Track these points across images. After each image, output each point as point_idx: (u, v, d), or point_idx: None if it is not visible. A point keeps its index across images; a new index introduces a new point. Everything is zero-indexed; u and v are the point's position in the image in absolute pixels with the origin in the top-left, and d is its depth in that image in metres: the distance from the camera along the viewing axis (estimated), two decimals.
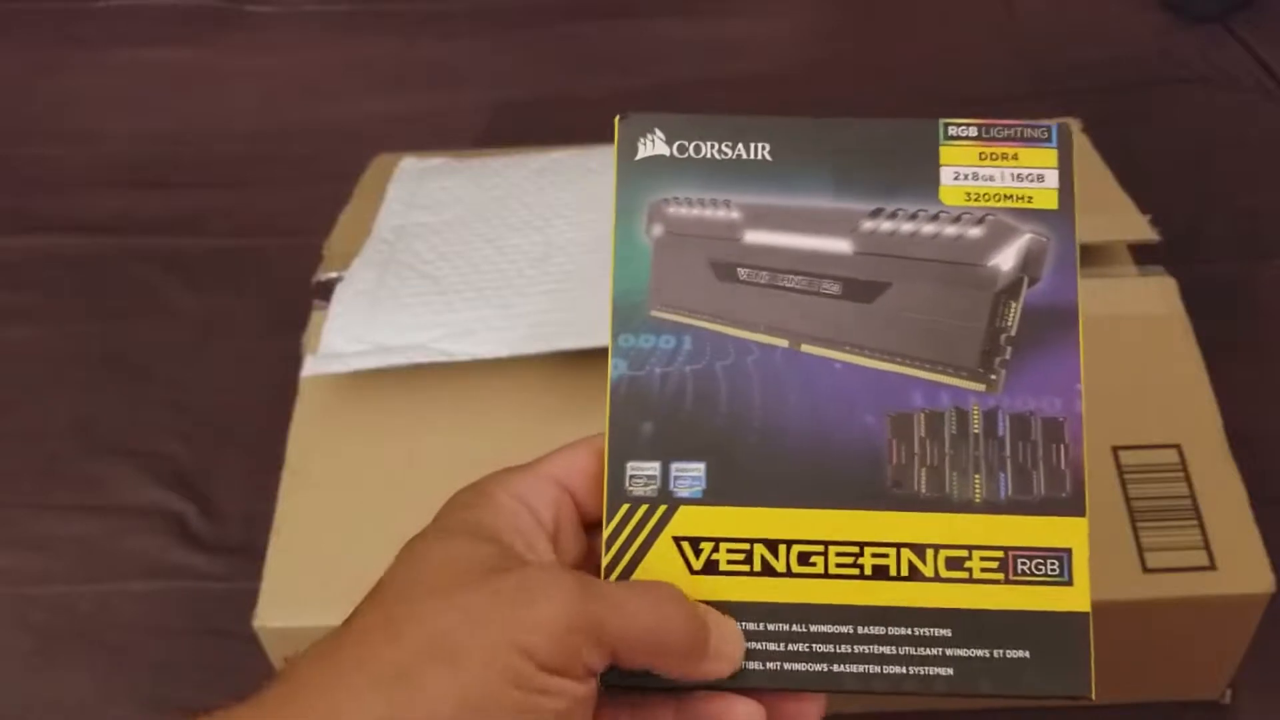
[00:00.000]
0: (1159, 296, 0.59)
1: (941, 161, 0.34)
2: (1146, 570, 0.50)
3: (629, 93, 0.97)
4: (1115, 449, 0.54)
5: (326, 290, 0.62)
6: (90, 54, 1.05)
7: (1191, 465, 0.53)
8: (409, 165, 0.72)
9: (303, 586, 0.52)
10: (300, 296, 0.63)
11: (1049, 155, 0.35)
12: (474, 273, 0.61)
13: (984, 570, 0.32)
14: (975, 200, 0.34)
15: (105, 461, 0.71)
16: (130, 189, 0.90)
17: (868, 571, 0.32)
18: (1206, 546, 0.51)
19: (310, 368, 0.57)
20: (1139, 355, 0.57)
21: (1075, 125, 0.71)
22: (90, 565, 0.66)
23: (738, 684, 0.32)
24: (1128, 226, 0.62)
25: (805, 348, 0.34)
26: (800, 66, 0.99)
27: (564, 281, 0.59)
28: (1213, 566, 0.50)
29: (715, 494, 0.33)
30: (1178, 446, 0.54)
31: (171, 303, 0.81)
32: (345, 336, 0.58)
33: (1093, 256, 0.61)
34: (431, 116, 0.96)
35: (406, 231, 0.65)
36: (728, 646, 0.32)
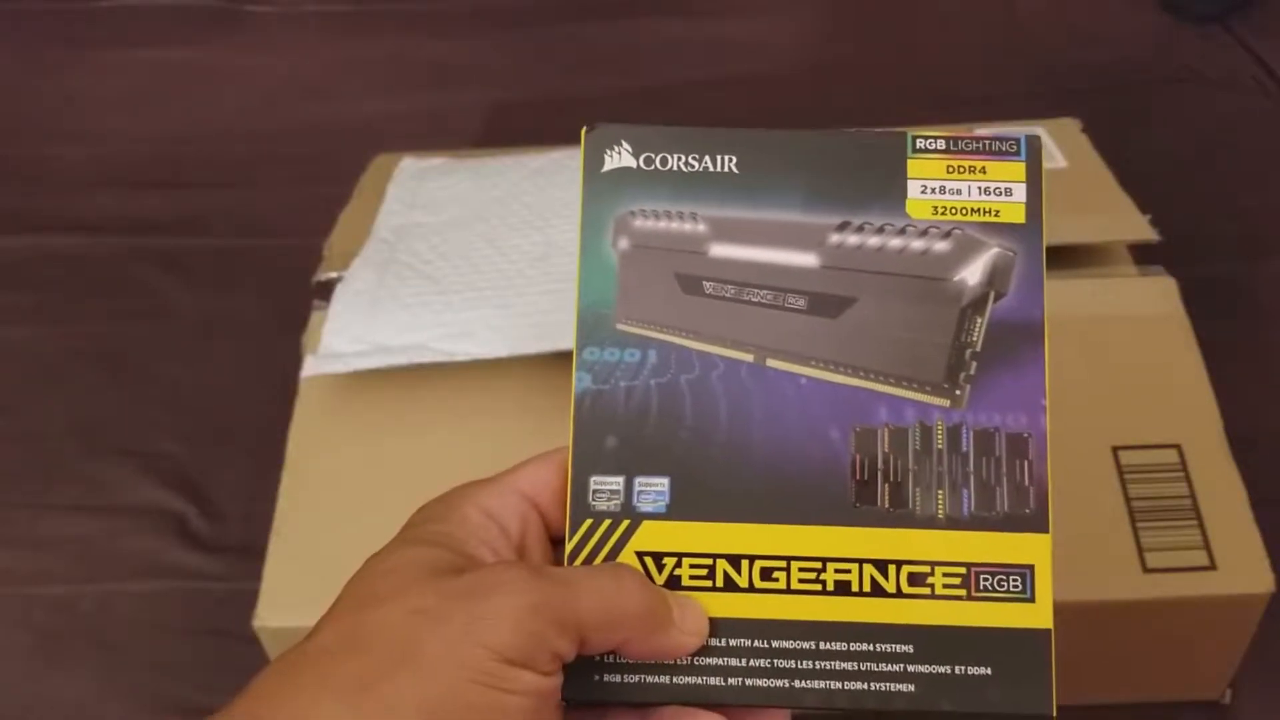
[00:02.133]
0: (1159, 296, 0.59)
1: (909, 175, 0.34)
2: (1146, 570, 0.50)
3: (629, 93, 0.97)
4: (1115, 449, 0.54)
5: (326, 290, 0.62)
6: (90, 54, 1.05)
7: (1191, 465, 0.53)
8: (409, 165, 0.72)
9: (303, 586, 0.52)
10: (300, 296, 0.63)
11: (1017, 169, 0.34)
12: (474, 273, 0.61)
13: (946, 586, 0.32)
14: (943, 214, 0.34)
15: (105, 461, 0.71)
16: (130, 189, 0.90)
17: (830, 587, 0.32)
18: (1206, 546, 0.51)
19: (310, 368, 0.57)
20: (1139, 355, 0.57)
21: (1075, 125, 0.71)
22: (90, 565, 0.66)
23: (699, 698, 0.32)
24: (1128, 226, 0.62)
25: (770, 362, 0.34)
26: (800, 67, 0.99)
27: (564, 281, 0.59)
28: (1213, 566, 0.50)
29: (679, 509, 0.33)
30: (1178, 446, 0.54)
31: (171, 303, 0.81)
32: (345, 336, 0.58)
33: (1093, 256, 0.61)
34: (431, 116, 0.96)
35: (406, 231, 0.65)
36: (691, 618, 0.32)
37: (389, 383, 0.58)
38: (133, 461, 0.71)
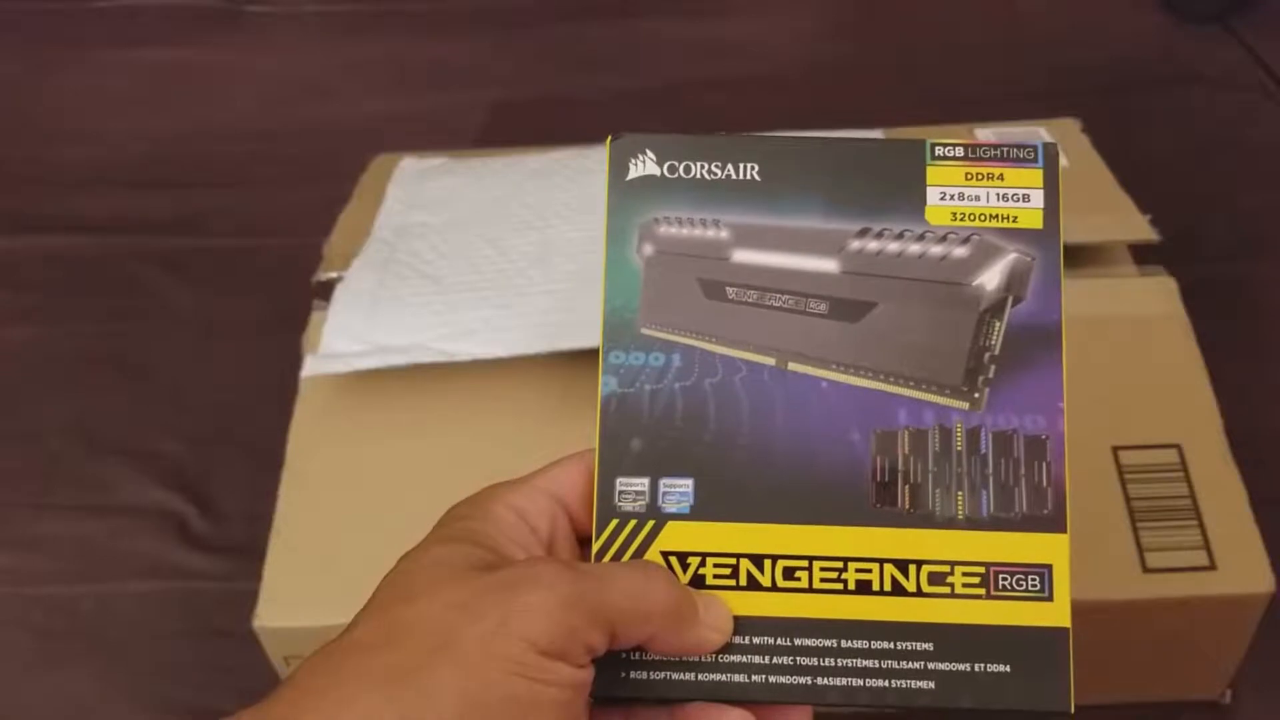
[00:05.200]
0: (1159, 296, 0.59)
1: (928, 181, 0.35)
2: (1146, 570, 0.50)
3: (629, 93, 0.97)
4: (1115, 449, 0.54)
5: (326, 290, 0.62)
6: (90, 54, 1.05)
7: (1191, 465, 0.53)
8: (409, 165, 0.72)
9: (303, 586, 0.52)
10: (300, 296, 0.63)
11: (1034, 175, 0.35)
12: (474, 273, 0.61)
13: (966, 585, 0.33)
14: (961, 220, 0.34)
15: (105, 461, 0.71)
16: (130, 189, 0.90)
17: (851, 586, 0.33)
18: (1206, 546, 0.51)
19: (310, 368, 0.57)
20: (1139, 355, 0.57)
21: (1075, 125, 0.71)
22: (90, 565, 0.66)
23: (724, 695, 0.32)
24: (1128, 226, 0.62)
25: (792, 366, 0.34)
26: (800, 67, 0.99)
27: (564, 281, 0.59)
28: (1213, 566, 0.50)
29: (703, 510, 0.34)
30: (1178, 446, 0.54)
31: (171, 303, 0.81)
32: (345, 336, 0.58)
33: (1093, 256, 0.61)
34: (431, 116, 0.96)
35: (406, 231, 0.65)
36: (716, 614, 0.32)
37: (389, 383, 0.58)
38: (133, 461, 0.71)
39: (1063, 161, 0.71)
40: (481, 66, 1.02)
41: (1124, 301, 0.59)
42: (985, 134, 0.70)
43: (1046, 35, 1.01)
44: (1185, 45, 0.97)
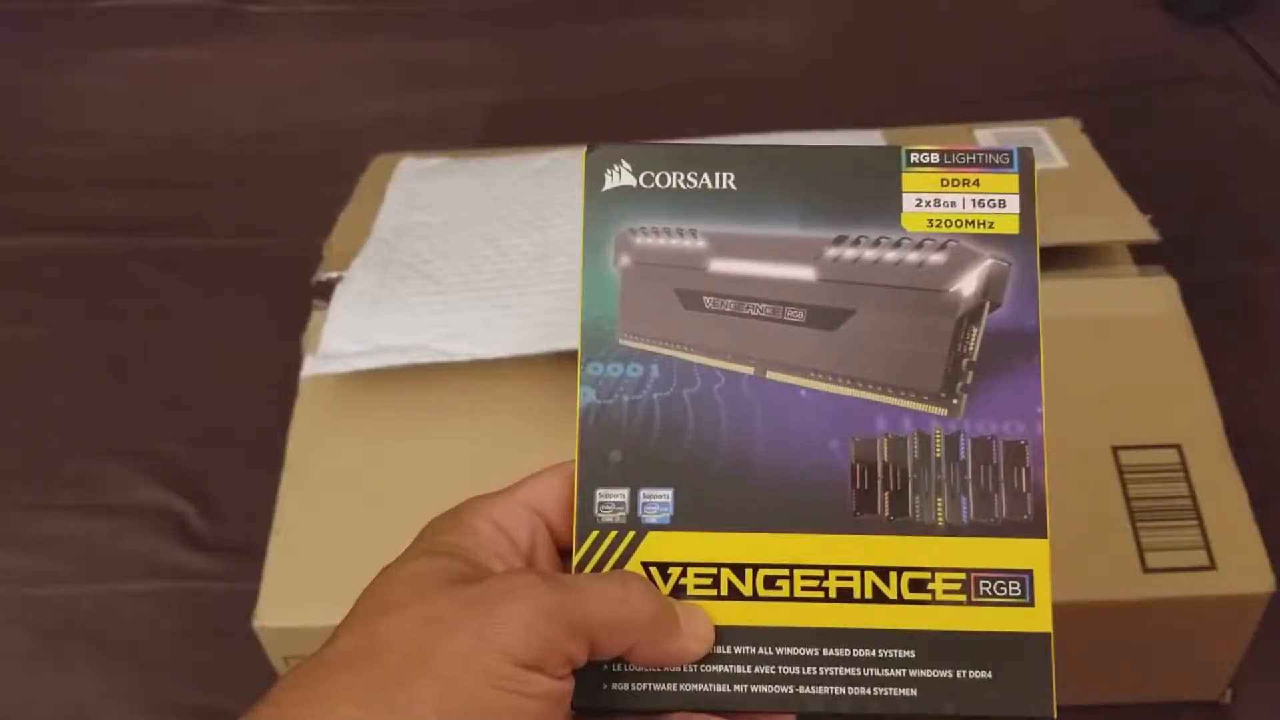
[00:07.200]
0: (1159, 296, 0.59)
1: (904, 188, 0.34)
2: (1146, 570, 0.50)
3: (629, 93, 0.97)
4: (1115, 449, 0.54)
5: (326, 290, 0.62)
6: (90, 54, 1.05)
7: (1191, 465, 0.53)
8: (409, 165, 0.72)
9: (302, 586, 0.52)
10: (300, 296, 0.63)
11: (1010, 180, 0.35)
12: (474, 273, 0.61)
13: (947, 592, 0.33)
14: (937, 226, 0.34)
15: (105, 461, 0.71)
16: (130, 189, 0.90)
17: (832, 594, 0.33)
18: (1206, 546, 0.51)
19: (310, 368, 0.57)
20: (1139, 355, 0.57)
21: (1075, 125, 0.71)
22: (90, 565, 0.66)
23: (706, 705, 0.32)
24: (1128, 226, 0.62)
25: (770, 375, 0.34)
26: (800, 67, 0.99)
27: (564, 281, 0.59)
28: (1213, 566, 0.50)
29: (683, 519, 0.33)
30: (1178, 446, 0.54)
31: (171, 303, 0.81)
32: (345, 336, 0.58)
33: (1093, 256, 0.61)
34: (431, 116, 0.96)
35: (406, 231, 0.65)
36: (697, 624, 0.32)
37: (389, 383, 0.58)
38: (133, 461, 0.71)
39: (1063, 162, 0.71)
40: (481, 66, 1.02)
41: (1124, 301, 0.59)
42: (985, 134, 0.70)
43: (1046, 35, 1.01)
44: (1185, 45, 0.97)
